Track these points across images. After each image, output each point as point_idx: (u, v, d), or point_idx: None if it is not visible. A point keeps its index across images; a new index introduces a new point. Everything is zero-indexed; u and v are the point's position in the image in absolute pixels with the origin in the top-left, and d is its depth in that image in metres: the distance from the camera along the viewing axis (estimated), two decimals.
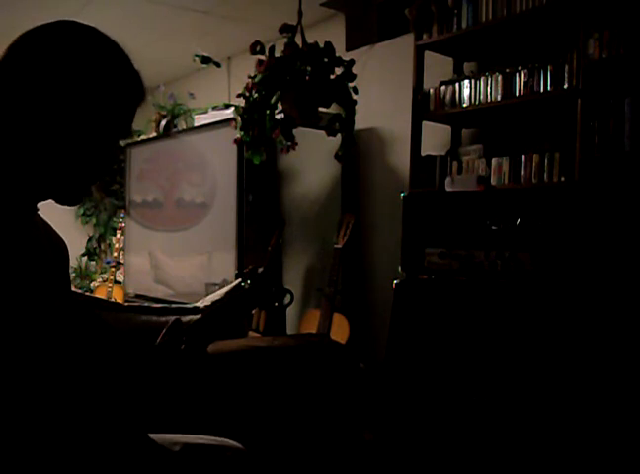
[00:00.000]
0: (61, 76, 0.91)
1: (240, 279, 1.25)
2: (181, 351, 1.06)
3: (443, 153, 3.24)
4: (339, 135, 3.47)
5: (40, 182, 0.95)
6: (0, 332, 0.84)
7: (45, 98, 0.90)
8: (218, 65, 3.56)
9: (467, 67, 3.30)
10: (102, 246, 6.22)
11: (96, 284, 5.72)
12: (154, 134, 4.71)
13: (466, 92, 3.00)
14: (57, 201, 0.98)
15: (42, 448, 0.90)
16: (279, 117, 3.31)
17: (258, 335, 3.66)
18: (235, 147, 3.57)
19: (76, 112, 0.92)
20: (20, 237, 0.94)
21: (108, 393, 0.98)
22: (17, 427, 0.87)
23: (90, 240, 6.18)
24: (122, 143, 5.43)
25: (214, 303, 2.02)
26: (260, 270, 1.23)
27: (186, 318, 1.95)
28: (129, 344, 1.09)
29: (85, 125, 0.93)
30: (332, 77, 3.28)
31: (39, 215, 1.03)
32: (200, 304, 2.14)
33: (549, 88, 2.69)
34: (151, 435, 1.17)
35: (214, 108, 4.10)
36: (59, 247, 1.09)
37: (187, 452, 1.20)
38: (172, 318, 1.12)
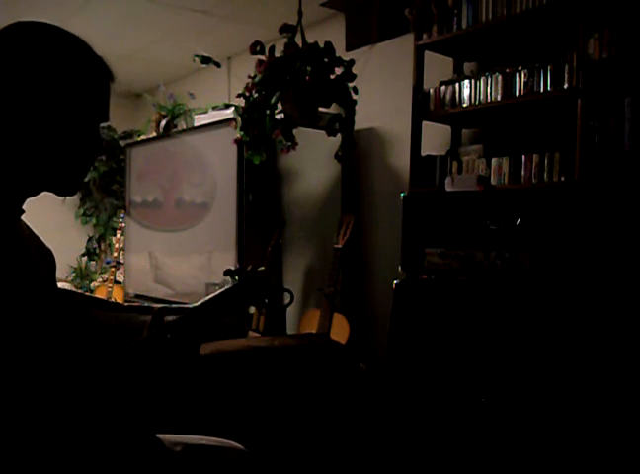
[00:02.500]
0: (26, 73, 0.94)
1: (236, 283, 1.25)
2: (167, 341, 1.06)
3: (443, 153, 3.24)
4: (339, 135, 3.47)
5: (29, 177, 0.98)
6: None
7: (15, 96, 0.93)
8: (218, 65, 3.56)
9: (467, 67, 3.30)
10: (102, 246, 6.22)
11: (96, 284, 5.72)
12: (154, 134, 4.71)
13: (466, 92, 3.00)
14: (55, 192, 1.02)
15: (40, 448, 0.91)
16: (279, 117, 3.31)
17: (258, 335, 3.66)
18: (235, 147, 3.58)
19: (48, 104, 0.95)
20: (5, 236, 0.94)
21: (102, 392, 0.98)
22: (13, 427, 0.88)
23: (90, 240, 6.19)
24: (123, 143, 5.44)
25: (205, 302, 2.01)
26: (249, 267, 1.24)
27: None
28: (120, 341, 1.09)
29: (59, 115, 0.96)
30: (332, 77, 3.28)
31: (23, 221, 1.04)
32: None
33: (549, 88, 2.69)
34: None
35: (214, 108, 4.11)
36: (47, 253, 1.11)
37: (188, 453, 1.20)
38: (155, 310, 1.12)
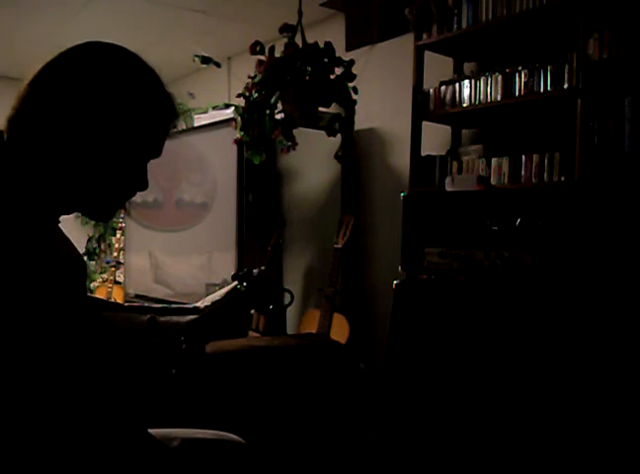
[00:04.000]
0: (96, 97, 0.92)
1: (236, 281, 1.25)
2: (179, 350, 1.07)
3: (443, 153, 3.24)
4: (339, 135, 3.47)
5: (69, 197, 0.96)
6: (12, 333, 0.85)
7: (79, 118, 0.91)
8: (218, 65, 3.56)
9: (467, 67, 3.30)
10: (102, 246, 6.22)
11: (96, 284, 5.73)
12: None
13: (466, 92, 3.00)
14: (89, 217, 1.02)
15: (44, 445, 0.91)
16: (279, 117, 3.31)
17: (258, 335, 3.66)
18: (235, 147, 3.58)
19: (109, 132, 0.93)
20: (41, 244, 0.95)
21: (109, 391, 0.99)
22: (21, 423, 0.88)
23: (90, 240, 6.19)
24: None
25: (214, 303, 2.01)
26: (255, 272, 1.24)
27: (185, 318, 1.95)
28: (130, 345, 1.09)
29: (117, 146, 0.95)
30: (332, 77, 3.28)
31: (59, 228, 1.05)
32: (200, 304, 2.14)
33: (549, 88, 2.68)
34: (150, 431, 1.17)
35: (214, 108, 4.11)
36: (79, 260, 1.12)
37: (186, 447, 1.20)
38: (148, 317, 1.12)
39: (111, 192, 0.98)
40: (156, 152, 1.02)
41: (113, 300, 4.79)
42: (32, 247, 0.91)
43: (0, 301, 0.83)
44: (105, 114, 0.92)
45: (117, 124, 0.93)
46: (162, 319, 1.95)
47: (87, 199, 0.98)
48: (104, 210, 1.01)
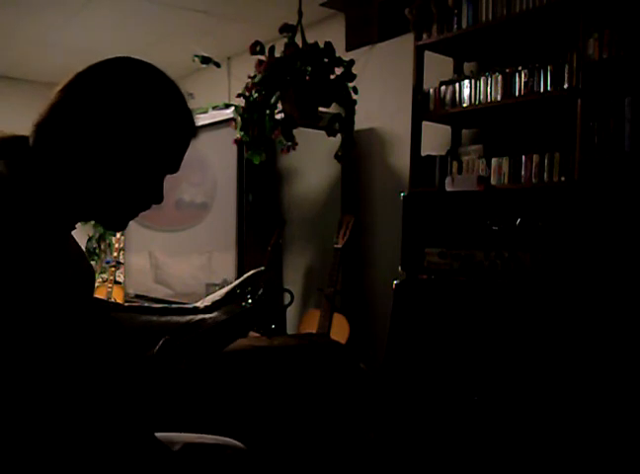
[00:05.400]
0: (123, 111, 0.95)
1: (236, 283, 1.26)
2: (179, 369, 1.07)
3: (443, 153, 3.24)
4: (339, 135, 3.47)
5: (86, 205, 0.99)
6: (19, 332, 0.85)
7: (105, 129, 0.94)
8: (218, 65, 3.56)
9: (467, 67, 3.30)
10: (102, 246, 6.22)
11: (96, 284, 5.72)
12: None
13: (466, 92, 3.00)
14: (102, 225, 1.06)
15: (45, 446, 0.91)
16: (279, 117, 3.31)
17: (258, 335, 3.66)
18: (235, 147, 3.58)
19: (132, 145, 0.96)
20: (55, 249, 0.96)
21: (114, 393, 0.99)
22: (22, 424, 0.88)
23: (90, 240, 6.19)
24: None
25: (214, 303, 2.02)
26: (260, 291, 1.25)
27: (185, 318, 1.95)
28: (139, 347, 1.10)
29: (138, 159, 0.97)
30: (332, 77, 3.28)
31: (72, 236, 1.07)
32: (200, 304, 2.14)
33: (549, 88, 2.69)
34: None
35: (214, 108, 4.10)
36: (88, 268, 1.14)
37: (187, 451, 1.20)
38: (162, 340, 1.11)
39: (127, 203, 1.01)
40: (174, 168, 1.05)
41: (113, 300, 4.79)
42: (47, 250, 0.92)
43: (10, 301, 0.84)
44: (130, 127, 0.95)
45: (140, 139, 0.96)
46: (163, 319, 1.95)
47: (103, 209, 1.01)
48: (118, 220, 1.04)
